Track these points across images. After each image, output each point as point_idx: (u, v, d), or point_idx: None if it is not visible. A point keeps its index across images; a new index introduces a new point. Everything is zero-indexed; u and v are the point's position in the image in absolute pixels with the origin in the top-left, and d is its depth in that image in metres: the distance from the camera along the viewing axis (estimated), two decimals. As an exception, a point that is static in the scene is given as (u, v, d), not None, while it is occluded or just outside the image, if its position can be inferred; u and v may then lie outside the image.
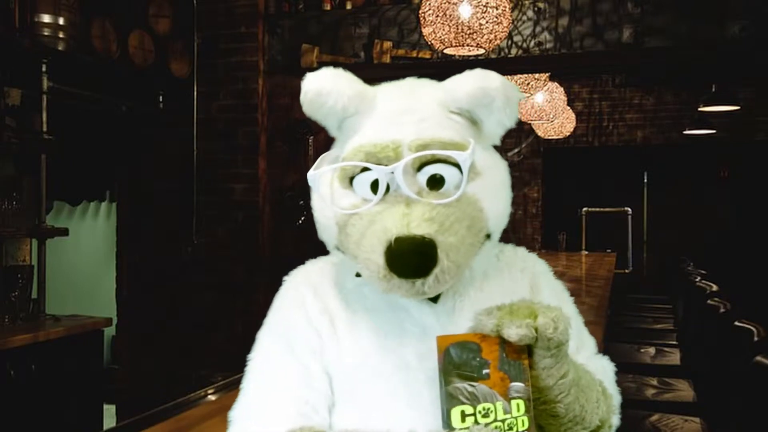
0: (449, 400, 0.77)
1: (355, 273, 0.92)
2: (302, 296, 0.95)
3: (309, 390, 0.89)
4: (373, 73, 4.63)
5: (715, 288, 3.52)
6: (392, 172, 0.83)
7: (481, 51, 3.19)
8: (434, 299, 0.91)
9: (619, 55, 4.04)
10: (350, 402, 0.90)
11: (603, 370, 1.01)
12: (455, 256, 0.81)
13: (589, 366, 0.96)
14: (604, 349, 2.49)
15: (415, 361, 0.88)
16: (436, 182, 0.84)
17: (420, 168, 0.84)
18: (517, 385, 0.78)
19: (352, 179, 0.87)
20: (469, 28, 2.98)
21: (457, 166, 0.84)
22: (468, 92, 0.87)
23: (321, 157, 0.95)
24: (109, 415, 4.12)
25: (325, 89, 0.87)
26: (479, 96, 0.87)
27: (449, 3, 2.99)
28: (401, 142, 0.84)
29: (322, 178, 0.90)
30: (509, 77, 4.47)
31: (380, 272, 0.80)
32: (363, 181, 0.86)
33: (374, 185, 0.85)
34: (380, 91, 0.92)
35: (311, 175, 0.89)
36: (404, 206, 0.81)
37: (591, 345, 1.07)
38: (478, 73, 0.88)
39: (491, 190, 0.89)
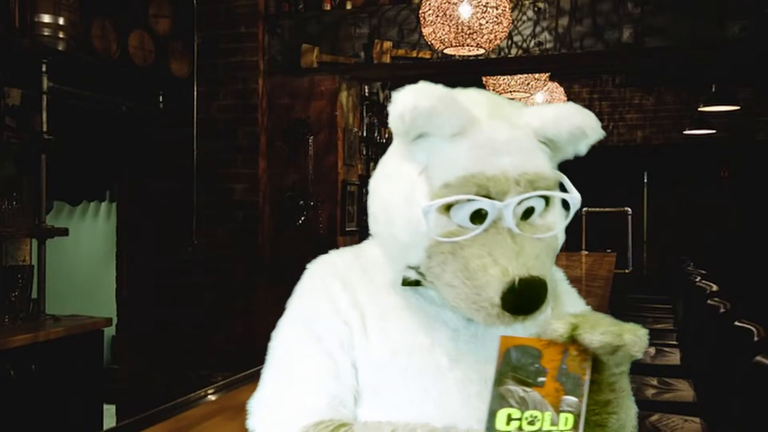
0: (498, 400, 0.76)
1: (402, 280, 0.91)
2: (329, 287, 0.93)
3: (337, 383, 0.89)
4: (373, 73, 4.64)
5: (715, 288, 3.52)
6: (502, 204, 0.82)
7: (481, 51, 3.19)
8: None
9: (619, 55, 4.05)
10: (376, 398, 0.89)
11: None
12: (550, 291, 0.83)
13: None
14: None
15: (446, 362, 0.89)
16: (527, 212, 0.85)
17: (520, 202, 0.84)
18: (571, 399, 0.76)
19: (450, 206, 0.83)
20: (469, 28, 2.99)
21: (545, 198, 0.86)
22: (569, 128, 0.88)
23: (387, 164, 0.92)
24: (109, 415, 4.12)
25: (438, 109, 0.81)
26: (578, 134, 0.89)
27: (449, 3, 2.99)
28: (509, 174, 0.83)
29: (414, 194, 0.85)
30: (509, 77, 4.48)
31: (492, 309, 0.81)
32: (464, 209, 0.83)
33: (474, 214, 0.83)
34: (478, 111, 0.87)
35: (427, 207, 0.82)
36: (511, 240, 0.82)
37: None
38: (577, 109, 0.90)
39: (560, 218, 0.90)
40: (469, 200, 0.82)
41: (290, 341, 0.93)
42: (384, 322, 0.91)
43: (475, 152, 0.83)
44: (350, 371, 0.90)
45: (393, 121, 0.83)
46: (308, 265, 0.99)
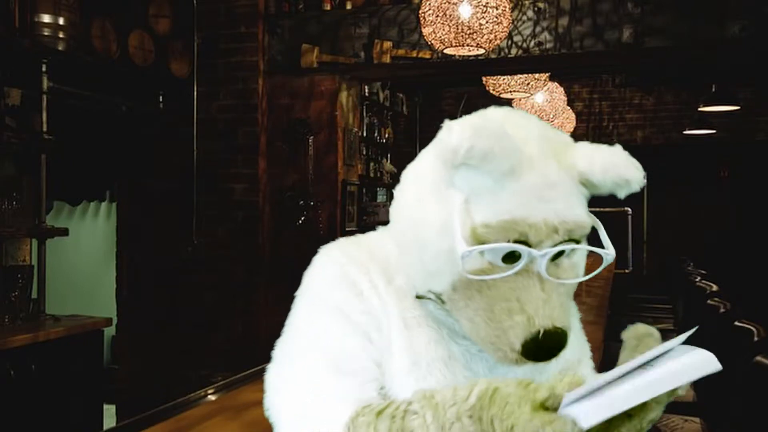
0: None
1: (416, 295, 0.90)
2: (353, 278, 0.90)
3: (376, 368, 0.88)
4: (373, 73, 4.64)
5: (715, 288, 3.52)
6: (537, 251, 0.81)
7: (481, 51, 3.19)
8: None
9: (619, 55, 4.04)
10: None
11: None
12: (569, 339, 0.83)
13: None
14: (604, 349, 2.49)
15: (461, 377, 0.88)
16: (556, 255, 0.85)
17: (556, 252, 0.84)
18: None
19: (483, 243, 0.81)
20: (469, 28, 2.98)
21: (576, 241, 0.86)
22: (614, 180, 0.87)
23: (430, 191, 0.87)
24: (109, 415, 4.12)
25: (494, 153, 0.79)
26: (622, 185, 0.88)
27: (449, 3, 2.99)
28: (550, 222, 0.82)
29: (450, 225, 0.82)
30: (509, 77, 4.48)
31: (511, 353, 0.81)
32: (498, 249, 0.81)
33: (507, 255, 0.82)
34: (529, 149, 0.84)
35: (467, 252, 0.80)
36: (539, 287, 0.82)
37: (589, 359, 1.10)
38: (626, 159, 0.89)
39: (584, 257, 0.90)
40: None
41: (324, 327, 0.89)
42: (407, 330, 0.89)
43: (519, 197, 0.81)
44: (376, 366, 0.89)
45: (444, 153, 0.80)
46: (321, 251, 0.95)
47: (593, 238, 0.91)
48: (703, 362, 0.73)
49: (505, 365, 0.84)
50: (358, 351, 0.87)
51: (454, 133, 0.79)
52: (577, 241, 0.85)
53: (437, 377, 0.88)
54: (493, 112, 0.90)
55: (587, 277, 0.89)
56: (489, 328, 0.82)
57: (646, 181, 0.90)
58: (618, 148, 0.89)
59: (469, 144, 0.77)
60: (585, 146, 0.89)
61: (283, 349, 0.92)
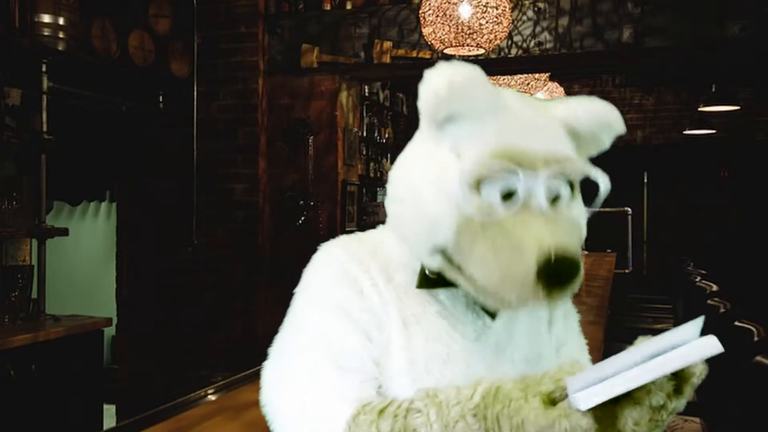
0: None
1: (419, 282, 0.90)
2: (354, 276, 0.90)
3: (375, 367, 0.88)
4: (373, 73, 4.64)
5: (715, 288, 3.52)
6: (533, 182, 0.82)
7: (481, 51, 3.19)
8: (492, 316, 0.92)
9: (619, 55, 4.04)
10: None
11: None
12: (581, 274, 0.83)
13: None
14: (603, 349, 2.49)
15: (460, 374, 0.88)
16: (554, 198, 0.85)
17: (551, 180, 0.84)
18: None
19: (480, 182, 0.82)
20: (469, 28, 2.98)
21: (570, 185, 0.86)
22: (595, 118, 0.91)
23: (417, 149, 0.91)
24: (109, 415, 4.12)
25: (472, 85, 0.82)
26: (603, 125, 0.91)
27: (449, 3, 2.99)
28: (539, 153, 0.83)
29: (446, 172, 0.84)
30: (509, 77, 4.48)
31: (527, 278, 0.78)
32: (495, 186, 0.82)
33: (504, 193, 0.82)
34: (506, 98, 0.89)
35: (463, 177, 0.81)
36: (543, 219, 0.81)
37: (588, 357, 1.10)
38: (601, 102, 0.93)
39: (583, 209, 0.90)
40: (502, 173, 0.81)
41: (324, 325, 0.88)
42: (405, 327, 0.89)
43: (506, 131, 0.84)
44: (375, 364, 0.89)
45: (426, 99, 0.83)
46: (321, 248, 0.95)
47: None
48: (704, 345, 0.71)
49: (525, 302, 0.81)
50: (358, 349, 0.87)
51: (432, 78, 0.82)
52: (570, 182, 0.86)
53: (435, 376, 0.87)
54: None
55: (586, 215, 0.89)
56: (500, 261, 0.80)
57: (626, 130, 0.93)
58: (593, 97, 0.92)
59: (448, 80, 0.81)
60: (561, 99, 0.94)
61: (281, 345, 0.92)
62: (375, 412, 0.81)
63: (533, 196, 0.82)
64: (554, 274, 0.78)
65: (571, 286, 0.81)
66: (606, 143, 0.94)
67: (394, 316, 0.89)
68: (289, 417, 0.86)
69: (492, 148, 0.82)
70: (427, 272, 0.90)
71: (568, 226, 0.84)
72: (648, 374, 0.71)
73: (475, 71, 0.82)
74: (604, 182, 0.87)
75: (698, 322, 0.73)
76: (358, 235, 1.00)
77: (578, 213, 0.88)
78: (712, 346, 0.71)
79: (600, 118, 0.91)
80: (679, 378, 0.76)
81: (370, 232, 1.00)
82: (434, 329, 0.90)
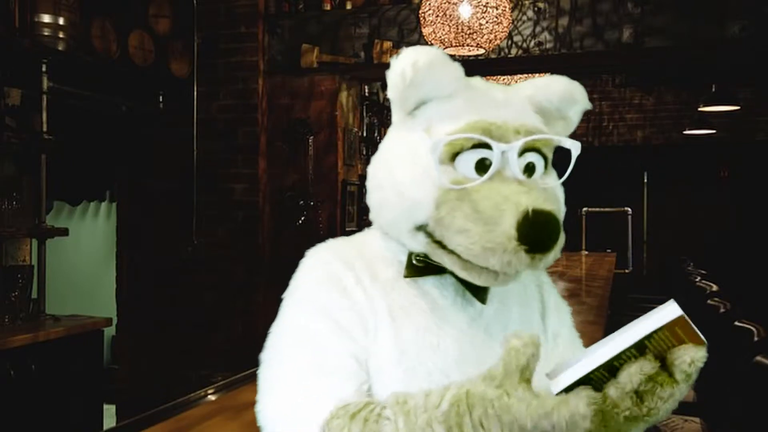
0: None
1: (406, 271, 0.91)
2: (342, 280, 0.91)
3: (362, 370, 0.88)
4: (373, 73, 4.64)
5: (715, 288, 3.52)
6: (507, 151, 0.84)
7: (481, 51, 3.19)
8: (483, 300, 0.92)
9: (619, 55, 4.04)
10: (379, 398, 0.88)
11: None
12: (563, 237, 0.83)
13: None
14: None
15: (452, 362, 0.88)
16: (528, 170, 0.87)
17: (521, 154, 0.86)
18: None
19: (455, 156, 0.84)
20: (469, 28, 2.99)
21: (543, 157, 0.88)
22: (559, 92, 0.93)
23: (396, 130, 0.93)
24: (109, 415, 4.12)
25: (437, 63, 0.85)
26: (568, 99, 0.94)
27: (449, 3, 2.99)
28: (510, 124, 0.86)
29: (420, 149, 0.86)
30: (509, 77, 4.48)
31: (509, 243, 0.79)
32: (468, 158, 0.84)
33: (478, 165, 0.84)
34: (472, 79, 0.93)
35: (435, 143, 0.84)
36: (517, 184, 0.83)
37: (582, 348, 1.09)
38: (565, 78, 0.95)
39: (558, 182, 0.92)
40: (474, 145, 0.83)
41: (308, 328, 0.89)
42: (393, 320, 0.89)
43: (475, 104, 0.87)
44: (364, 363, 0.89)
45: (393, 85, 0.86)
46: (308, 252, 0.96)
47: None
48: (664, 311, 0.72)
49: (509, 268, 0.81)
50: (340, 350, 0.87)
51: (398, 60, 0.85)
52: (544, 156, 0.88)
53: (427, 366, 0.88)
54: None
55: (560, 181, 0.91)
56: (480, 227, 0.81)
57: (589, 104, 0.96)
58: (557, 75, 0.96)
59: (413, 60, 0.84)
60: (524, 81, 0.97)
61: (269, 351, 0.93)
62: (348, 416, 0.81)
63: (507, 166, 0.84)
64: (534, 232, 0.79)
65: (553, 246, 0.81)
66: (574, 119, 0.96)
67: (380, 311, 0.89)
68: (274, 420, 0.87)
69: (463, 121, 0.85)
70: (414, 260, 0.91)
71: (544, 192, 0.85)
72: (614, 349, 0.71)
73: (437, 52, 0.85)
74: (575, 147, 0.89)
75: (670, 303, 0.73)
76: (345, 238, 1.01)
77: (553, 184, 0.89)
78: (672, 310, 0.71)
79: (564, 94, 0.93)
80: (665, 363, 0.75)
81: (358, 234, 1.02)
82: (423, 320, 0.90)
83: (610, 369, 0.73)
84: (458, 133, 0.84)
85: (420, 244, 0.88)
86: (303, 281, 0.94)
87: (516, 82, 4.47)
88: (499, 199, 0.81)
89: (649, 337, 0.72)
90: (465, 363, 0.89)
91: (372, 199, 0.95)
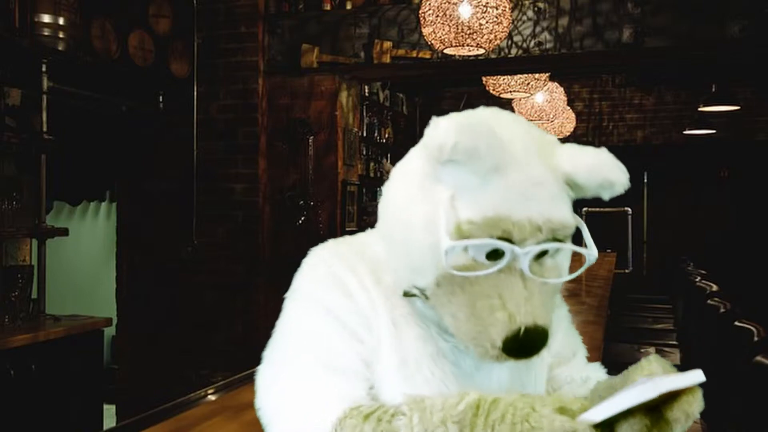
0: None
1: (404, 292, 0.90)
2: (343, 279, 0.91)
3: (369, 374, 0.88)
4: (373, 73, 4.64)
5: (715, 288, 3.52)
6: (520, 255, 0.82)
7: (481, 51, 3.19)
8: None
9: (619, 55, 4.04)
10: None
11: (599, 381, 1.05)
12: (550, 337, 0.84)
13: (590, 379, 1.04)
14: (603, 348, 2.49)
15: (450, 373, 0.89)
16: (540, 254, 0.85)
17: (539, 251, 0.84)
18: None
19: (467, 238, 0.82)
20: (469, 28, 2.98)
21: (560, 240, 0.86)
22: (599, 182, 0.87)
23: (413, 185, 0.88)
24: (109, 415, 4.12)
25: (479, 150, 0.79)
26: (606, 187, 0.88)
27: (449, 3, 2.99)
28: (534, 221, 0.82)
29: (437, 219, 0.83)
30: (509, 77, 4.48)
31: (492, 350, 0.81)
32: (481, 246, 0.82)
33: (491, 252, 0.82)
34: (514, 148, 0.84)
35: (450, 247, 0.81)
36: (522, 284, 0.82)
37: (583, 351, 1.12)
38: (612, 162, 0.88)
39: (569, 258, 0.90)
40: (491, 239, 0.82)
41: (314, 328, 0.89)
42: (395, 328, 0.90)
43: (504, 195, 0.82)
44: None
45: (430, 149, 0.81)
46: (310, 253, 0.96)
47: (578, 240, 0.91)
48: (691, 376, 0.79)
49: (487, 361, 0.84)
50: (347, 350, 0.88)
51: (440, 129, 0.79)
52: (561, 241, 0.85)
53: (425, 374, 0.88)
54: (481, 111, 0.90)
55: (570, 277, 0.89)
56: (470, 324, 0.82)
57: (630, 184, 0.90)
58: (603, 151, 0.89)
59: (454, 140, 0.78)
60: (570, 147, 0.90)
61: (273, 350, 0.93)
62: (361, 416, 0.82)
63: (518, 260, 0.82)
64: (520, 348, 0.80)
65: (537, 353, 0.83)
66: (604, 198, 0.91)
67: (383, 317, 0.90)
68: (282, 419, 0.87)
69: (487, 215, 0.81)
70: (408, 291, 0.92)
71: (546, 290, 0.84)
72: (641, 395, 0.76)
73: (486, 132, 0.80)
74: (591, 256, 0.87)
75: (699, 374, 0.80)
76: (346, 239, 1.00)
77: (563, 263, 0.88)
78: (697, 376, 0.79)
79: (604, 179, 0.87)
80: (660, 413, 0.79)
81: (359, 235, 1.01)
82: (423, 329, 0.90)
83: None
84: (477, 227, 0.81)
85: (416, 292, 0.89)
86: (307, 282, 0.94)
87: (516, 82, 4.48)
88: (497, 303, 0.81)
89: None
90: (463, 372, 0.90)
91: (381, 230, 0.93)
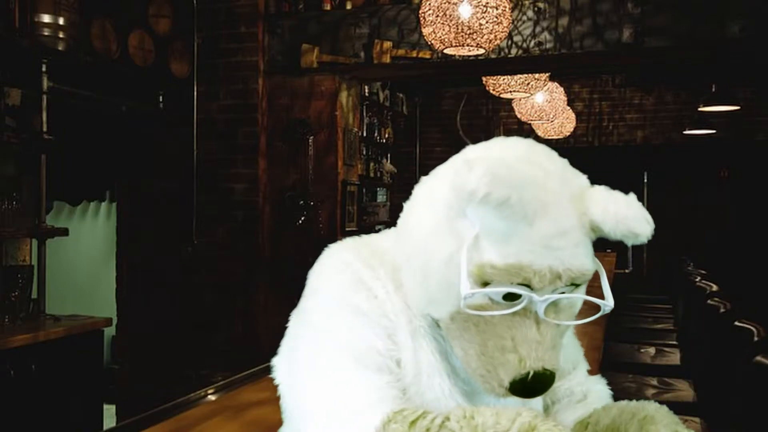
0: None
1: (426, 314, 0.90)
2: (367, 283, 0.90)
3: (399, 373, 0.88)
4: (373, 73, 4.64)
5: (715, 288, 3.52)
6: (537, 301, 0.82)
7: (481, 51, 3.18)
8: None
9: (619, 55, 4.04)
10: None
11: (599, 395, 1.07)
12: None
13: (590, 393, 1.06)
14: (603, 348, 2.49)
15: (459, 391, 0.90)
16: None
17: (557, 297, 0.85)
18: None
19: (486, 282, 0.82)
20: (469, 28, 2.98)
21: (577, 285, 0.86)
22: (624, 233, 0.86)
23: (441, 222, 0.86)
24: (109, 415, 4.12)
25: (511, 202, 0.78)
26: (631, 237, 0.87)
27: (449, 3, 2.99)
28: (555, 269, 0.82)
29: (459, 258, 0.82)
30: (509, 77, 4.48)
31: (498, 389, 0.83)
32: (500, 290, 0.82)
33: (508, 294, 0.83)
34: (544, 194, 0.83)
35: (469, 293, 0.81)
36: (535, 328, 0.83)
37: (585, 365, 1.12)
38: (641, 214, 0.88)
39: (582, 299, 0.89)
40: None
41: (348, 327, 0.88)
42: (413, 340, 0.89)
43: (529, 244, 0.81)
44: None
45: (460, 190, 0.78)
46: (327, 252, 0.95)
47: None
48: None
49: (491, 396, 0.86)
50: (382, 350, 0.87)
51: (473, 174, 0.77)
52: (578, 286, 0.87)
53: (436, 390, 0.88)
54: (514, 147, 0.89)
55: (582, 321, 0.90)
56: (480, 361, 0.84)
57: (653, 230, 0.89)
58: (632, 199, 0.89)
59: (486, 190, 0.76)
60: (600, 193, 0.88)
61: (300, 349, 0.90)
62: (407, 422, 0.81)
63: (534, 305, 0.83)
64: (526, 390, 0.82)
65: (542, 394, 0.85)
66: (628, 244, 0.90)
67: (403, 327, 0.89)
68: (320, 420, 0.85)
69: (509, 261, 0.81)
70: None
71: (558, 331, 0.85)
72: None
73: (520, 183, 0.78)
74: (607, 306, 0.87)
75: None
76: (364, 239, 0.99)
77: (578, 303, 0.89)
78: None
79: (630, 231, 0.86)
80: None
81: (376, 237, 1.00)
82: (438, 343, 0.91)
83: None
84: (499, 272, 0.81)
85: (430, 320, 0.90)
86: (332, 283, 0.92)
87: (516, 82, 4.48)
88: (509, 344, 0.82)
89: None
90: (473, 392, 0.90)
91: (401, 254, 0.91)
